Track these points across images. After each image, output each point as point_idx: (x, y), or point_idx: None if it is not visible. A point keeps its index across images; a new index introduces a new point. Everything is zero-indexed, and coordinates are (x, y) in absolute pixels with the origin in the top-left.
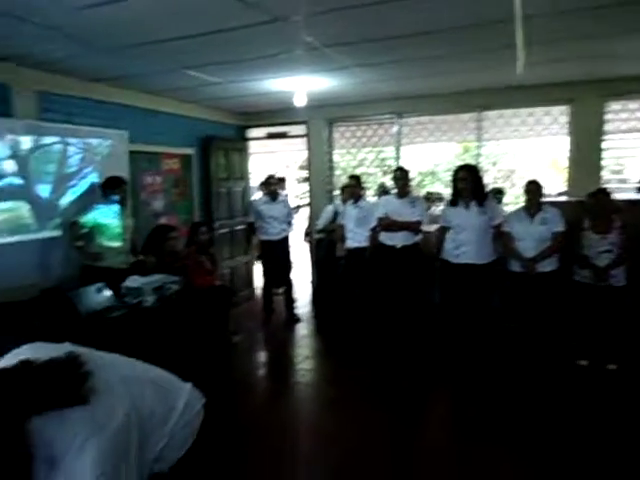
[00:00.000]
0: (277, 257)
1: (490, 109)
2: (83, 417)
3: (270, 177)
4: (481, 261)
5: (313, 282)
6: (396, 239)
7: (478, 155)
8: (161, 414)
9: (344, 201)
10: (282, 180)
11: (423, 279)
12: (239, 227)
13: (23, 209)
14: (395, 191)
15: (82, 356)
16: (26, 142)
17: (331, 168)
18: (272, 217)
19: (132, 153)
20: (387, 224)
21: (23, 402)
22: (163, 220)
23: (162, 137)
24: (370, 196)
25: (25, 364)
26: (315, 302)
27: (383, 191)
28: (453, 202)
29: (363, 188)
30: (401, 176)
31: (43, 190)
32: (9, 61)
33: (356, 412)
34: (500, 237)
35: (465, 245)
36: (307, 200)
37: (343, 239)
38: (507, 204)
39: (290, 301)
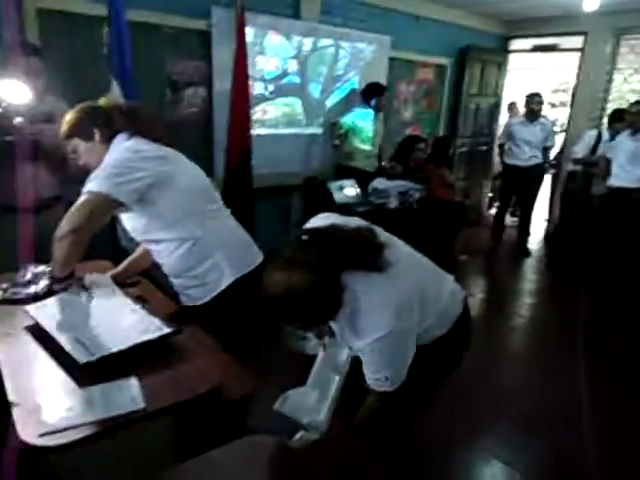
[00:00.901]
0: (520, 184)
1: None
2: (383, 279)
3: (534, 95)
4: None
5: (551, 219)
6: None
7: None
8: (433, 294)
9: (617, 131)
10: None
11: None
12: (481, 147)
13: (297, 105)
14: None
15: (374, 229)
16: (307, 43)
17: (607, 90)
18: (524, 140)
19: (391, 60)
20: None
21: (337, 256)
22: (409, 130)
23: (421, 45)
24: None
25: (335, 227)
26: (550, 239)
27: None
28: None
29: None
30: None
31: (314, 90)
32: None
33: (573, 367)
34: None
35: None
36: (559, 128)
37: (606, 175)
38: None
39: (525, 233)
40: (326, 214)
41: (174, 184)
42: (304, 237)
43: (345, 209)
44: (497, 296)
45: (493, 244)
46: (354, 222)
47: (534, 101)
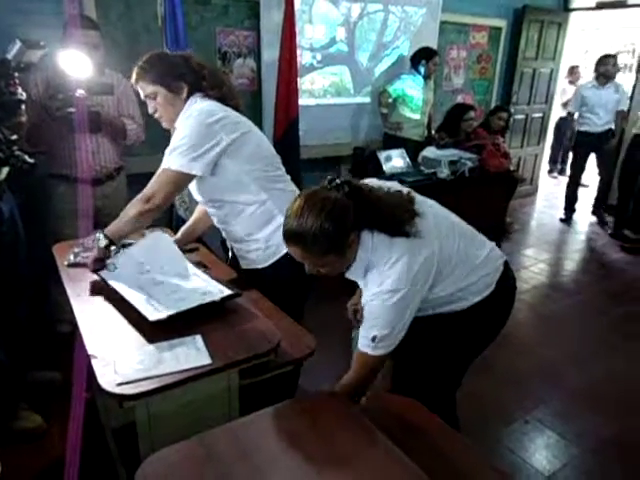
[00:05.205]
0: (593, 152)
1: None
2: (403, 243)
3: (609, 57)
4: None
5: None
6: None
7: None
8: (463, 259)
9: None
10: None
11: None
12: (537, 114)
13: (345, 74)
14: None
15: (414, 196)
16: (355, 9)
17: None
18: (600, 105)
19: (442, 24)
20: None
21: (360, 214)
22: (459, 98)
23: (474, 6)
24: None
25: (370, 188)
26: (610, 211)
27: None
28: None
29: None
30: None
31: (362, 57)
32: None
33: (629, 344)
34: None
35: None
36: None
37: None
38: None
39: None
40: (367, 179)
41: (244, 149)
42: (337, 181)
43: (394, 179)
44: (552, 267)
45: (567, 216)
46: (396, 186)
47: (610, 63)
